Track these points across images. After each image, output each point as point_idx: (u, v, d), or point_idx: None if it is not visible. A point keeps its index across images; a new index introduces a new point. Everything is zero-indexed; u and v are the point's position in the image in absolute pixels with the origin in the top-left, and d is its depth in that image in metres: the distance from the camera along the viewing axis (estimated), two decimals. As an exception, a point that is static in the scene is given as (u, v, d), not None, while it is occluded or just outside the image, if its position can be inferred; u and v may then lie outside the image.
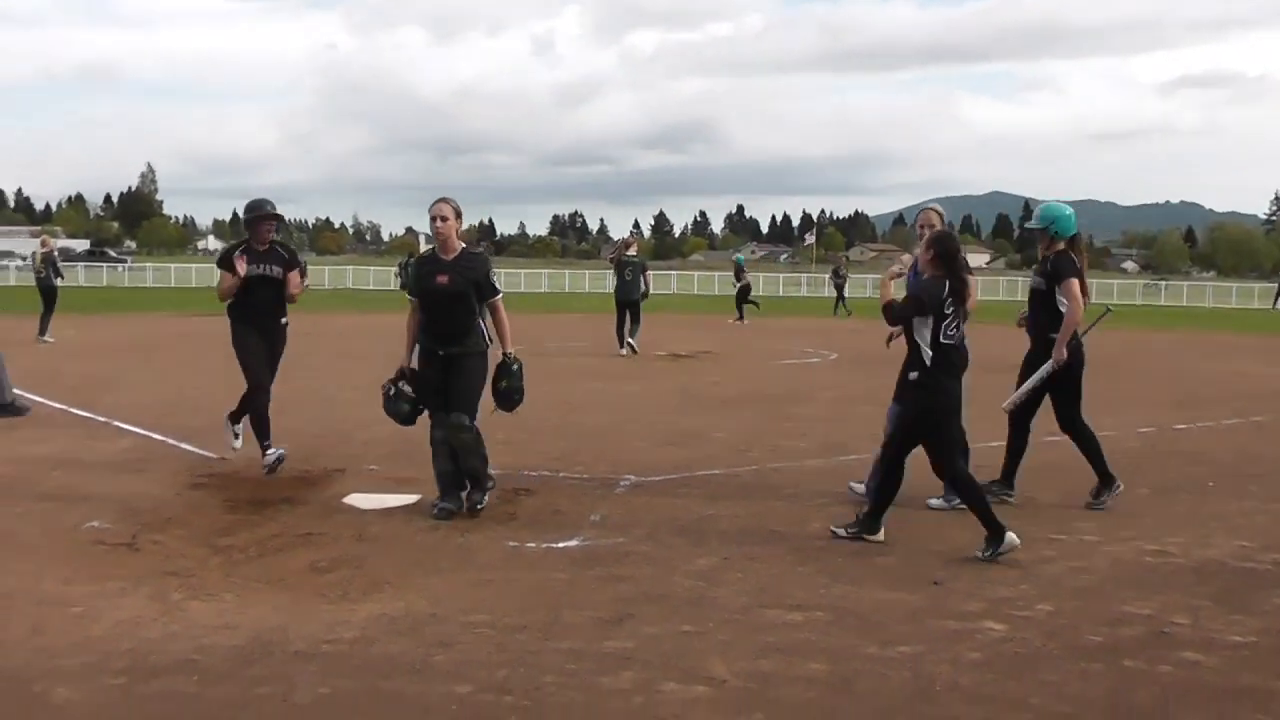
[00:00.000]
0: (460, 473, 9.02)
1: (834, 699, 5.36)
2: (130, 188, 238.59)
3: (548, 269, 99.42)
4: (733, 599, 6.91)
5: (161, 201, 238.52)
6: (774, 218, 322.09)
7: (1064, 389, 9.75)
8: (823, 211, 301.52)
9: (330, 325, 31.14)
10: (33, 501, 9.21)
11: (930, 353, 8.18)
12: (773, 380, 20.22)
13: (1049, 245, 9.70)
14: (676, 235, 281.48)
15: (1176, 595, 7.15)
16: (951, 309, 8.20)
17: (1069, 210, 9.86)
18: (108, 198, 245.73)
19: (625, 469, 10.94)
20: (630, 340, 24.40)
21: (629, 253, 25.41)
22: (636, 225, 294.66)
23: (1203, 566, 7.89)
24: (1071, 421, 9.87)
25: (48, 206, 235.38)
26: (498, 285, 9.24)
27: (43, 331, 25.11)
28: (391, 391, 9.26)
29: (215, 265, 10.73)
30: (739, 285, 40.92)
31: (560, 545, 8.15)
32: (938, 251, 8.32)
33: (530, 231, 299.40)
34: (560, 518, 8.95)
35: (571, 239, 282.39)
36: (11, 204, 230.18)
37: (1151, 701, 5.42)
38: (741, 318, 38.77)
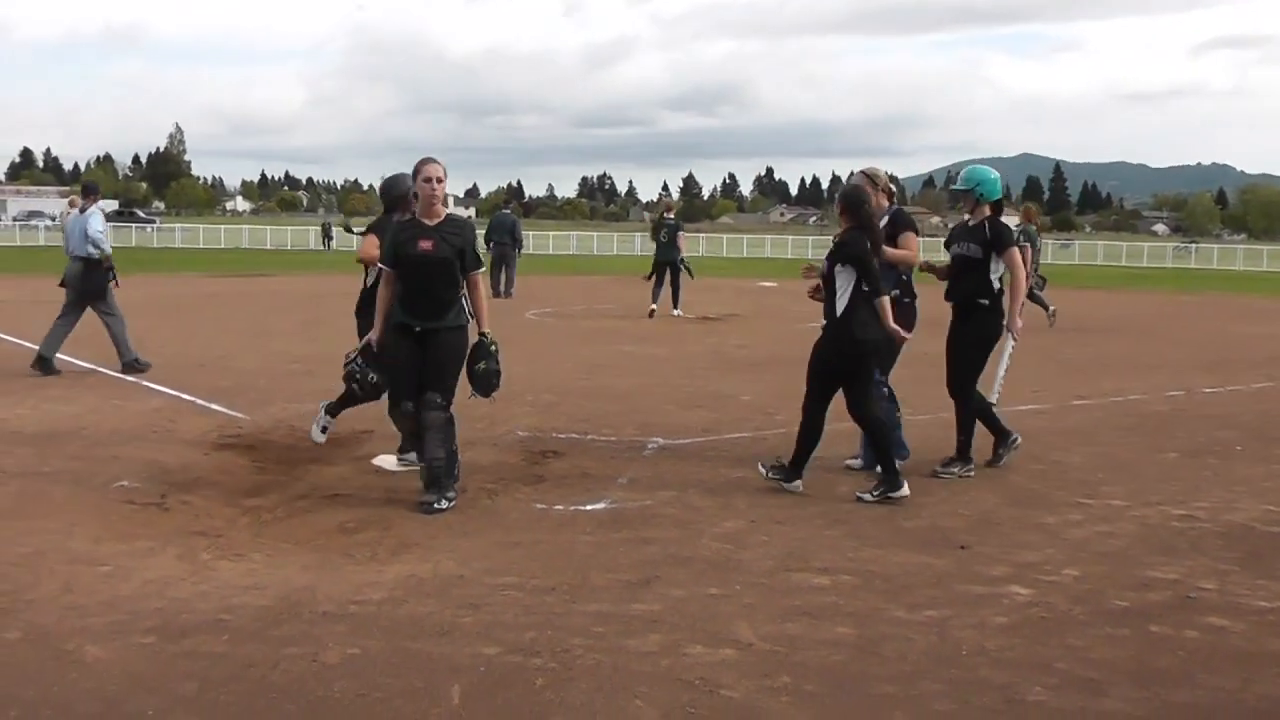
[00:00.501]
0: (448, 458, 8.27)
1: (860, 662, 5.37)
2: (158, 148, 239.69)
3: (576, 231, 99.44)
4: (759, 562, 6.92)
5: (190, 162, 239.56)
6: (803, 180, 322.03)
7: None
8: (852, 173, 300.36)
9: (358, 286, 31.17)
10: (62, 461, 9.27)
11: (847, 300, 8.57)
12: (801, 343, 20.05)
13: (974, 209, 9.59)
14: (705, 197, 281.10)
15: (1203, 560, 7.13)
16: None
17: (995, 174, 9.80)
18: (136, 158, 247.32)
19: (653, 431, 10.96)
20: (675, 309, 24.69)
21: (667, 215, 26.11)
22: (665, 188, 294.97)
23: (1230, 531, 7.86)
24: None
25: (76, 167, 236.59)
26: (481, 258, 8.59)
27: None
28: (358, 364, 8.56)
29: (364, 232, 9.80)
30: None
31: (588, 508, 8.17)
32: (845, 205, 8.81)
33: (559, 193, 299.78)
34: (588, 480, 8.97)
35: (600, 201, 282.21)
36: (41, 164, 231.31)
37: (1177, 666, 5.41)
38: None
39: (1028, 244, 22.97)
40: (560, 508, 8.15)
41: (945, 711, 4.85)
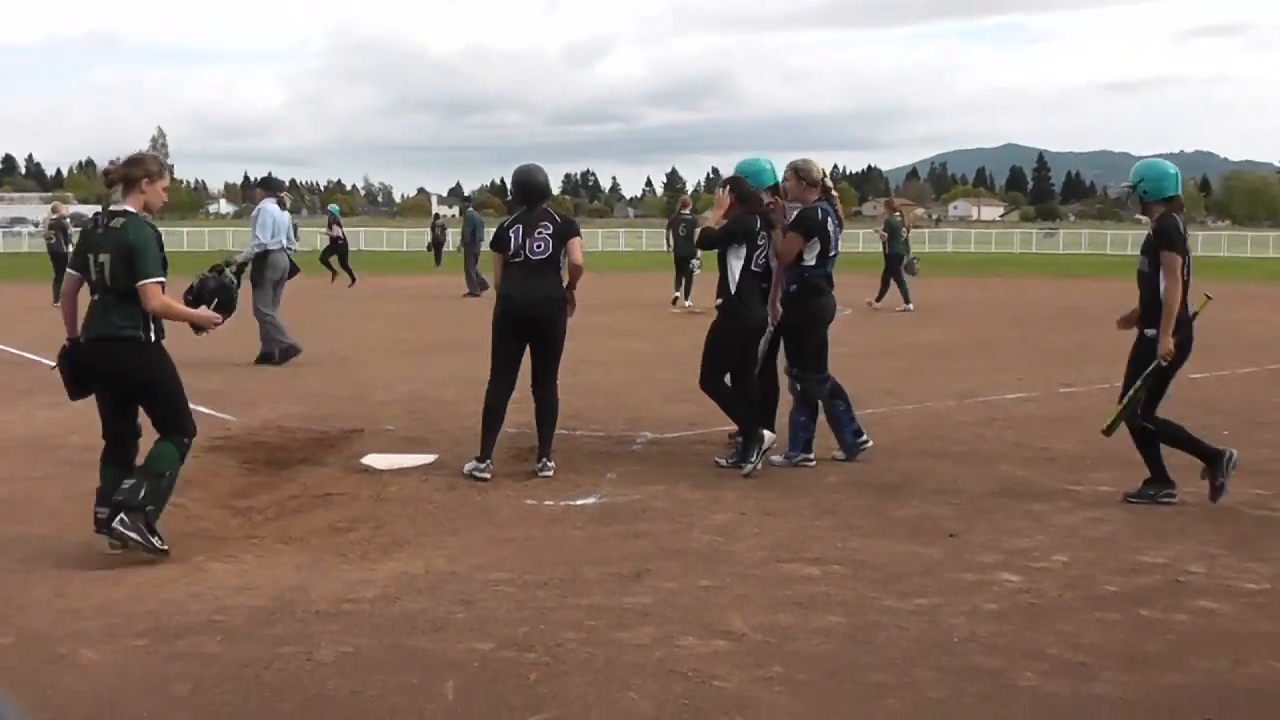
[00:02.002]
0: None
1: (852, 651, 5.39)
2: (140, 152, 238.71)
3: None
4: (750, 553, 6.94)
5: (172, 165, 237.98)
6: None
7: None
8: (835, 166, 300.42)
9: (344, 287, 31.16)
10: (53, 466, 9.27)
11: (737, 279, 9.10)
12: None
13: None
14: (689, 193, 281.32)
15: (1192, 544, 7.17)
16: (763, 240, 9.17)
17: (765, 164, 9.78)
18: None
19: (641, 426, 10.98)
20: (684, 301, 25.18)
21: (684, 211, 27.18)
22: (649, 183, 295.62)
23: (1217, 515, 7.90)
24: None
25: (59, 172, 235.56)
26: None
27: (57, 297, 25.19)
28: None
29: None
30: (330, 240, 33.77)
31: (578, 502, 8.19)
32: (738, 194, 9.23)
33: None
34: (577, 475, 8.98)
35: (584, 197, 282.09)
36: (23, 170, 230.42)
37: (1167, 649, 5.44)
38: (334, 275, 32.25)
39: (887, 232, 24.53)
40: (550, 503, 8.17)
41: (937, 698, 4.88)
